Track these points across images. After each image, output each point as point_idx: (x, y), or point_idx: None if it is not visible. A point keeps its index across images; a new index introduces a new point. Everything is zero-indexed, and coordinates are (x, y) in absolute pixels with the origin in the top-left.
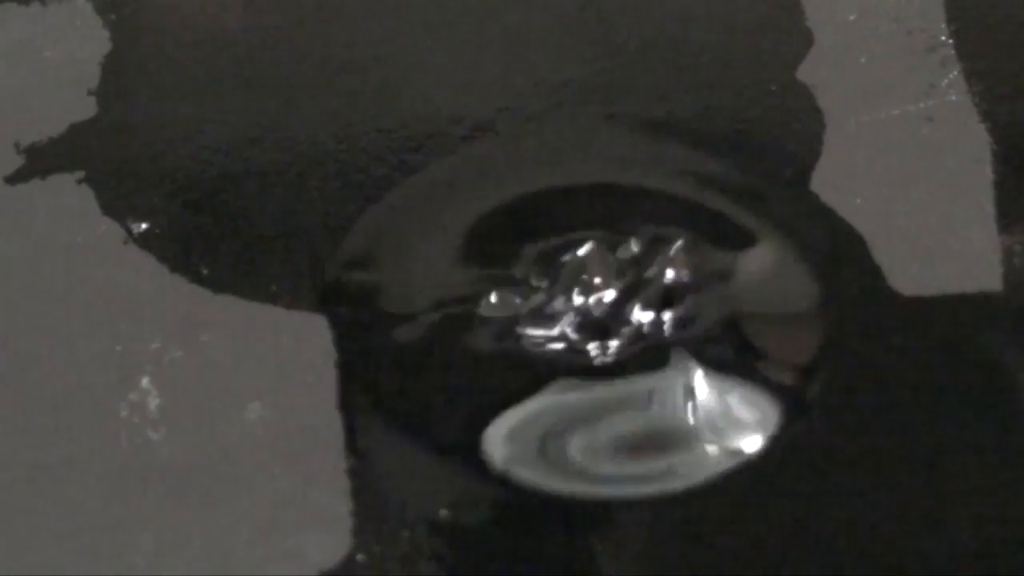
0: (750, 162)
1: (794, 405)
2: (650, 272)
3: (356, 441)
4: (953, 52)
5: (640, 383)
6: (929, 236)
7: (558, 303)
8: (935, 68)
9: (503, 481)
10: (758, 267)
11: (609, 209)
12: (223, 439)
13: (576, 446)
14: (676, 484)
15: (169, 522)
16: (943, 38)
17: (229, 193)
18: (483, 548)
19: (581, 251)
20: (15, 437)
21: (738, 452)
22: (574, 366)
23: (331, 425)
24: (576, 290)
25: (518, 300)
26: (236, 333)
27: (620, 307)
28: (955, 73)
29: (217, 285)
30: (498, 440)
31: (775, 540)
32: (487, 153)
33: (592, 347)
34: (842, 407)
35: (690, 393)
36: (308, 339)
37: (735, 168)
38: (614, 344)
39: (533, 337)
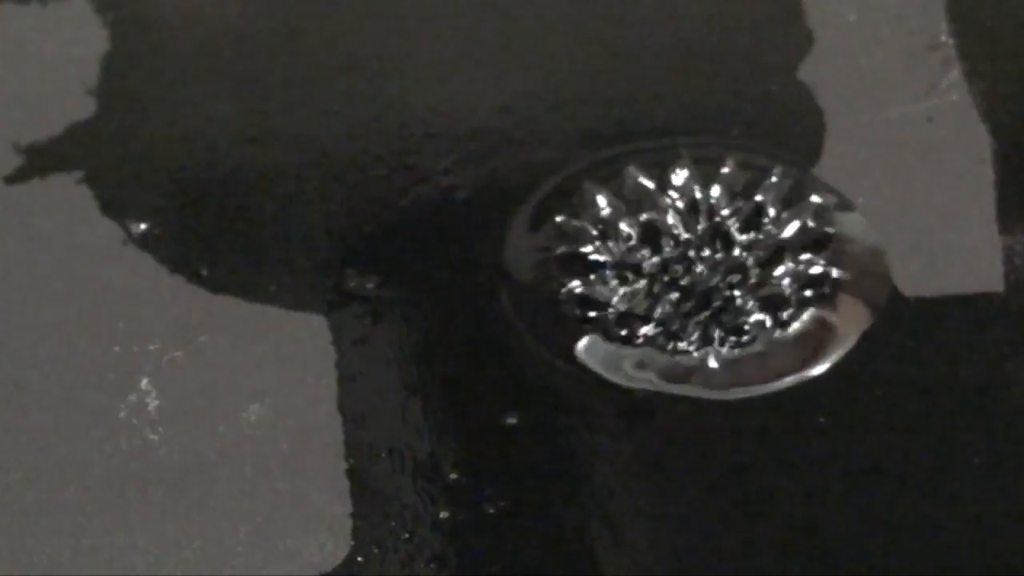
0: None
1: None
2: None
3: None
4: (953, 52)
5: None
6: (929, 236)
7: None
8: (935, 68)
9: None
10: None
11: None
12: (223, 440)
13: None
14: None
15: (169, 522)
16: (943, 38)
17: (229, 193)
18: (482, 549)
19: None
20: (15, 437)
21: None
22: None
23: (331, 425)
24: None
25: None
26: (235, 334)
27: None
28: (955, 73)
29: (217, 285)
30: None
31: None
32: None
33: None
34: (844, 408)
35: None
36: (308, 339)
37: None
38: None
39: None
